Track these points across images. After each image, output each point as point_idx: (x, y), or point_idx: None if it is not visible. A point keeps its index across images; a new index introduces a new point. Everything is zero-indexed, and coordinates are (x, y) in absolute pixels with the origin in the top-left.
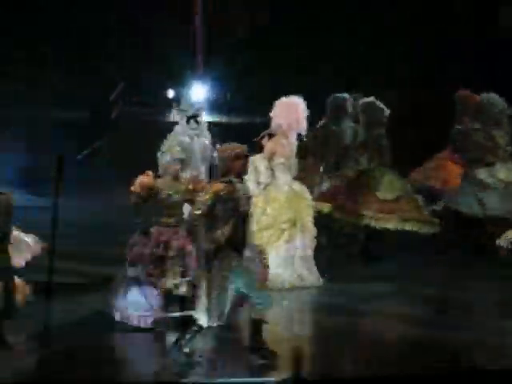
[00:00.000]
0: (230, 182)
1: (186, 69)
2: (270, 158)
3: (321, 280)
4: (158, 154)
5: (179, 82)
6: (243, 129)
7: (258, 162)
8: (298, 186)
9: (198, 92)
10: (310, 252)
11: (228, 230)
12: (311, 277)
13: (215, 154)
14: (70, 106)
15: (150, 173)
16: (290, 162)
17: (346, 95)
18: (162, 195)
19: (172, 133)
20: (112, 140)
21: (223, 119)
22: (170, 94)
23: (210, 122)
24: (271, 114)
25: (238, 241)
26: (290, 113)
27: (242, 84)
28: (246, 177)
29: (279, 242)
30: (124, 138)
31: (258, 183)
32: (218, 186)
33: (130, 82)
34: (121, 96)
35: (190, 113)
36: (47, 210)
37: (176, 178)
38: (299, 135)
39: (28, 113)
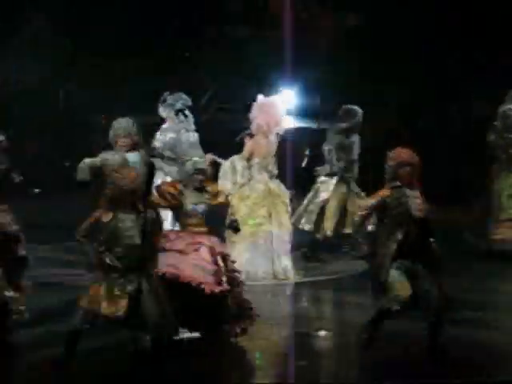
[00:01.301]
0: (399, 187)
1: (275, 75)
2: (249, 158)
3: (296, 276)
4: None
5: (268, 89)
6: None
7: (236, 161)
8: (274, 184)
9: (288, 98)
10: (288, 247)
11: (400, 236)
12: (289, 272)
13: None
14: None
15: (178, 185)
16: (267, 161)
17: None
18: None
19: (158, 132)
20: None
21: (313, 124)
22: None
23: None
24: (250, 115)
25: (412, 247)
26: (269, 113)
27: (333, 90)
28: (221, 176)
29: (255, 238)
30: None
31: (235, 183)
32: (385, 191)
33: (220, 88)
34: (211, 101)
35: (178, 106)
36: None
37: (200, 188)
38: (279, 135)
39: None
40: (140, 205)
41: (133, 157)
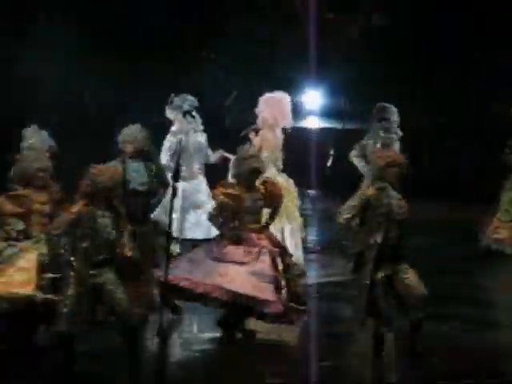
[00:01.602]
0: (383, 188)
1: (300, 76)
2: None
3: None
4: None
5: (293, 90)
6: (359, 134)
7: None
8: (282, 178)
9: (313, 99)
10: (299, 241)
11: (380, 235)
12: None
13: (210, 152)
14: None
15: (233, 184)
16: (275, 155)
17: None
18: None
19: (168, 134)
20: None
21: (339, 125)
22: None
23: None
24: (256, 110)
25: (390, 246)
26: (275, 107)
27: (359, 90)
28: (231, 171)
29: None
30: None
31: None
32: (369, 191)
33: (245, 90)
34: (235, 103)
35: (185, 107)
36: None
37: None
38: (285, 129)
39: None
40: (116, 202)
41: (135, 165)
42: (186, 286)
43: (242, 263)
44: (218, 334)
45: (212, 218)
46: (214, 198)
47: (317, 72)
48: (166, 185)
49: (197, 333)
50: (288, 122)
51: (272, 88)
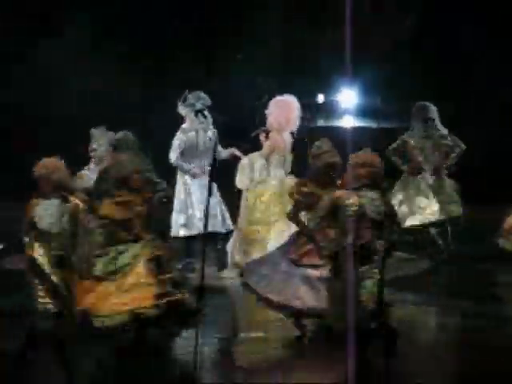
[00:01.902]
0: (357, 188)
1: (334, 74)
2: (268, 156)
3: None
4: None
5: (328, 88)
6: (394, 133)
7: (255, 159)
8: (291, 181)
9: (349, 98)
10: None
11: (351, 236)
12: None
13: (220, 149)
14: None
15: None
16: (284, 158)
17: None
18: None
19: (179, 131)
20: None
21: (373, 124)
22: (320, 99)
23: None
24: (267, 112)
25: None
26: (282, 111)
27: (393, 89)
28: (239, 171)
29: (271, 235)
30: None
31: (252, 180)
32: (341, 193)
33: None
34: (267, 102)
35: (198, 106)
36: None
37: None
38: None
39: None
40: (65, 194)
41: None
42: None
43: (317, 266)
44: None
45: (290, 217)
46: (290, 196)
47: (352, 71)
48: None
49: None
50: (292, 126)
51: (307, 87)
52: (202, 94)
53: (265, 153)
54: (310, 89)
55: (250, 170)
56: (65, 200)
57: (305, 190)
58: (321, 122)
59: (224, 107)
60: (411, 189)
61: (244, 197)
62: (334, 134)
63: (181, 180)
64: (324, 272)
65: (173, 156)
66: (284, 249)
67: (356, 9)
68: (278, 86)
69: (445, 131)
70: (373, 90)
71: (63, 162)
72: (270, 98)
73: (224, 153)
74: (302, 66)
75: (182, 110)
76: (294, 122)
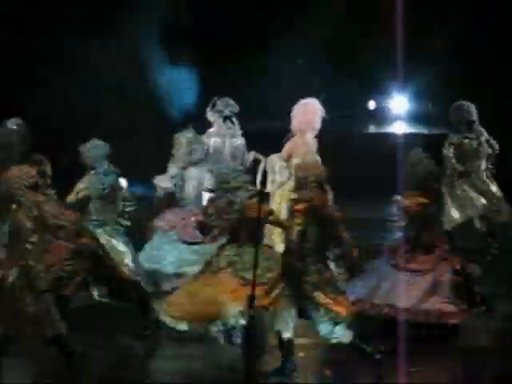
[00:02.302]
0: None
1: (386, 80)
2: (288, 158)
3: None
4: None
5: (379, 94)
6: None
7: (274, 161)
8: None
9: (399, 103)
10: None
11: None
12: None
13: (247, 155)
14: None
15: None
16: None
17: None
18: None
19: (205, 134)
20: None
21: (424, 130)
22: (371, 105)
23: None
24: (291, 115)
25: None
26: (303, 114)
27: (444, 95)
28: (259, 174)
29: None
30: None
31: (273, 182)
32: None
33: (330, 94)
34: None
35: (226, 113)
36: None
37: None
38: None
39: None
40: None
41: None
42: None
43: (422, 271)
44: None
45: (401, 227)
46: (405, 209)
47: (403, 76)
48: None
49: None
50: (314, 129)
51: (358, 94)
52: (231, 101)
53: (284, 155)
54: (362, 95)
55: (270, 172)
56: None
57: (418, 201)
58: (372, 129)
59: (277, 112)
60: (458, 190)
61: (270, 199)
62: (386, 140)
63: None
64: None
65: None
66: (390, 254)
67: (407, 15)
68: (329, 92)
69: (485, 134)
70: (424, 95)
71: None
72: (322, 102)
73: (248, 161)
74: (353, 71)
75: (210, 115)
76: (316, 125)
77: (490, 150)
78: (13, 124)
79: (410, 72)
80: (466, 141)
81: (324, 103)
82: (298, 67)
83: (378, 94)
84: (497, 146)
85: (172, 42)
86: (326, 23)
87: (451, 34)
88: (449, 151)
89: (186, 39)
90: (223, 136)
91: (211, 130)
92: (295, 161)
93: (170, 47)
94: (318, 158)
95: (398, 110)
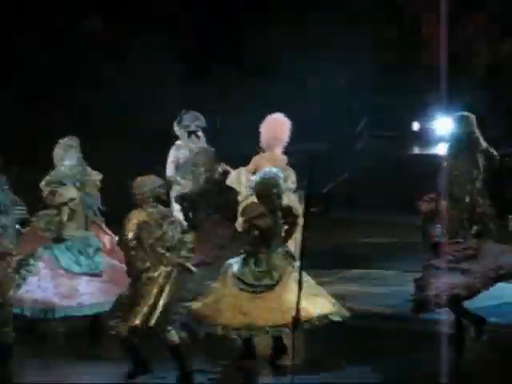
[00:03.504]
0: None
1: (429, 101)
2: (253, 171)
3: None
4: None
5: (423, 115)
6: None
7: (242, 173)
8: (291, 198)
9: (445, 125)
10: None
11: None
12: None
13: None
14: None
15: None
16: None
17: None
18: None
19: (173, 147)
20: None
21: None
22: (415, 126)
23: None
24: (260, 131)
25: None
26: (270, 129)
27: (489, 116)
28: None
29: None
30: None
31: (239, 194)
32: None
33: (376, 115)
34: (366, 128)
35: (192, 128)
36: None
37: None
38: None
39: None
40: None
41: None
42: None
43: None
44: None
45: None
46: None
47: (448, 98)
48: None
49: None
50: (282, 142)
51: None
52: (199, 115)
53: (250, 168)
54: (406, 116)
55: (237, 185)
56: None
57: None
58: (416, 150)
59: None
60: None
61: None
62: (429, 162)
63: (174, 196)
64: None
65: (168, 171)
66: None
67: (451, 35)
68: (373, 113)
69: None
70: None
71: None
72: (366, 124)
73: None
74: (398, 93)
75: (177, 130)
76: (283, 140)
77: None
78: None
79: (455, 94)
80: None
81: (365, 125)
82: (341, 89)
83: (422, 115)
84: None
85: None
86: (372, 47)
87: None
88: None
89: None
90: (190, 150)
91: (179, 142)
92: None
93: None
94: (289, 172)
95: (443, 131)
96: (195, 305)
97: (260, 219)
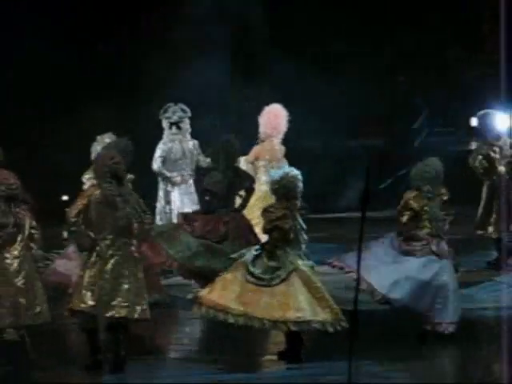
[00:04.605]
0: None
1: (489, 96)
2: (254, 160)
3: None
4: None
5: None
6: None
7: (241, 163)
8: None
9: (502, 120)
10: None
11: None
12: None
13: (202, 158)
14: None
15: None
16: (272, 164)
17: None
18: None
19: (161, 141)
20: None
21: None
22: (473, 122)
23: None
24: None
25: None
26: (269, 120)
27: None
28: None
29: None
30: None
31: None
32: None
33: (435, 110)
34: (425, 124)
35: (173, 119)
36: None
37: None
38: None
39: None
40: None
41: None
42: None
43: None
44: None
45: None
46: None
47: (506, 93)
48: None
49: None
50: (280, 133)
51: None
52: (183, 107)
53: (250, 157)
54: (464, 112)
55: None
56: None
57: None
58: (474, 146)
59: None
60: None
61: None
62: None
63: (162, 188)
64: None
65: (154, 164)
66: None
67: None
68: (432, 109)
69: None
70: None
71: None
72: (426, 119)
73: (205, 162)
74: (457, 88)
75: (163, 122)
76: (281, 131)
77: None
78: None
79: None
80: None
81: (425, 121)
82: (398, 84)
83: (480, 110)
84: None
85: None
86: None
87: None
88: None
89: None
90: (172, 141)
91: (164, 135)
92: (261, 163)
93: None
94: (285, 162)
95: (501, 127)
96: (203, 291)
97: (283, 221)
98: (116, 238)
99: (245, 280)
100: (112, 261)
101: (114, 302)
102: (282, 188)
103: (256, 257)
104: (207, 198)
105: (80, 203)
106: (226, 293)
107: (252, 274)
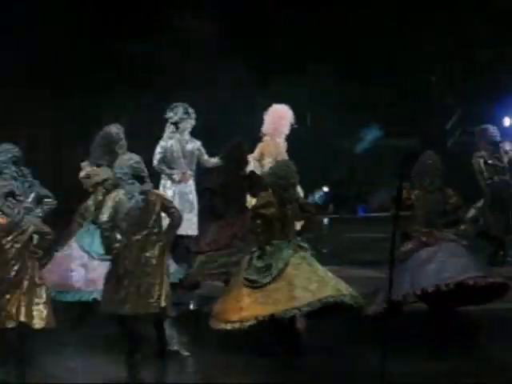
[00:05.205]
0: None
1: None
2: (260, 157)
3: None
4: None
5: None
6: None
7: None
8: None
9: None
10: None
11: None
12: None
13: (206, 157)
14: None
15: None
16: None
17: None
18: None
19: (161, 140)
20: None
21: None
22: (506, 122)
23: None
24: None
25: None
26: (273, 119)
27: None
28: None
29: None
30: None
31: None
32: None
33: (468, 110)
34: (458, 125)
35: (174, 119)
36: None
37: None
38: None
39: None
40: None
41: None
42: None
43: None
44: None
45: None
46: None
47: None
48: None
49: None
50: (282, 133)
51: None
52: (187, 108)
53: (256, 154)
54: (498, 112)
55: None
56: None
57: None
58: (507, 146)
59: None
60: None
61: None
62: None
63: (162, 185)
64: None
65: (155, 161)
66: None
67: None
68: (465, 109)
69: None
70: None
71: None
72: (459, 119)
73: (210, 162)
74: (490, 88)
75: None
76: (284, 130)
77: None
78: None
79: None
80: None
81: (458, 121)
82: (431, 83)
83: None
84: None
85: None
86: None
87: None
88: None
89: None
90: (171, 139)
91: (165, 134)
92: (267, 160)
93: None
94: (287, 158)
95: None
96: (216, 305)
97: (265, 208)
98: (146, 236)
99: (243, 285)
100: (143, 260)
101: (151, 300)
102: (270, 178)
103: (250, 260)
104: (208, 196)
105: (109, 206)
106: (227, 302)
107: (247, 279)
